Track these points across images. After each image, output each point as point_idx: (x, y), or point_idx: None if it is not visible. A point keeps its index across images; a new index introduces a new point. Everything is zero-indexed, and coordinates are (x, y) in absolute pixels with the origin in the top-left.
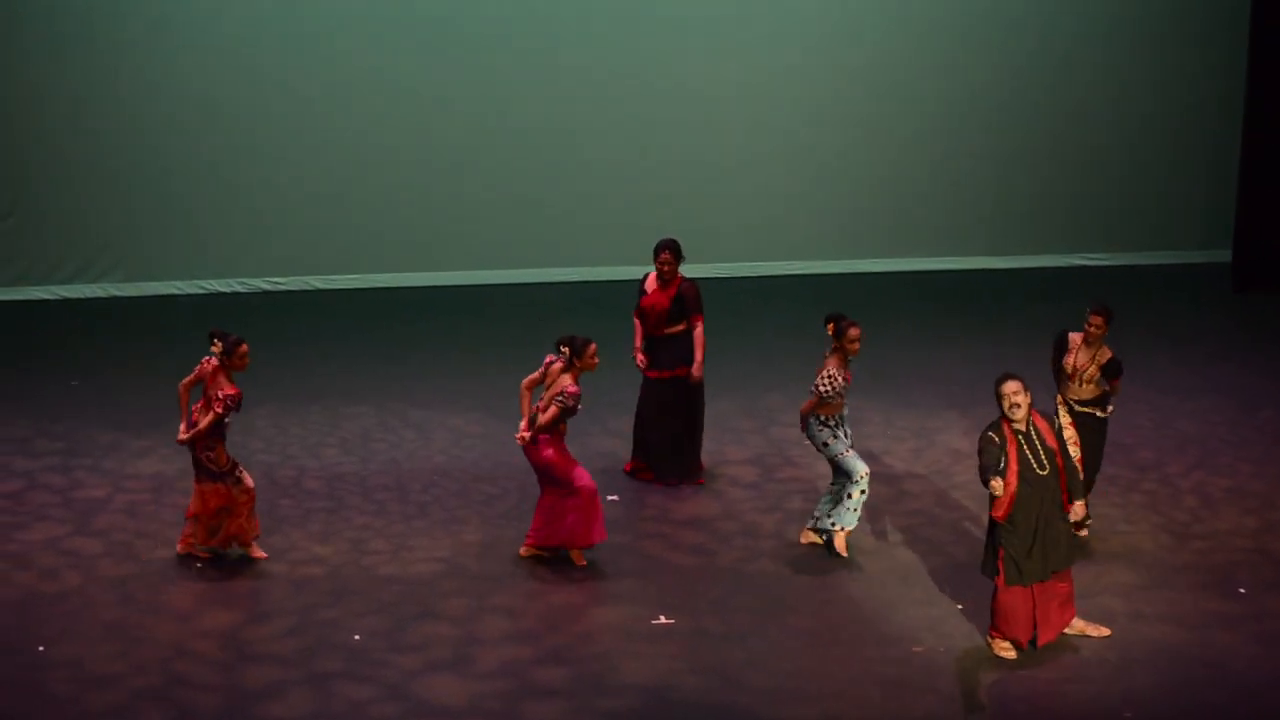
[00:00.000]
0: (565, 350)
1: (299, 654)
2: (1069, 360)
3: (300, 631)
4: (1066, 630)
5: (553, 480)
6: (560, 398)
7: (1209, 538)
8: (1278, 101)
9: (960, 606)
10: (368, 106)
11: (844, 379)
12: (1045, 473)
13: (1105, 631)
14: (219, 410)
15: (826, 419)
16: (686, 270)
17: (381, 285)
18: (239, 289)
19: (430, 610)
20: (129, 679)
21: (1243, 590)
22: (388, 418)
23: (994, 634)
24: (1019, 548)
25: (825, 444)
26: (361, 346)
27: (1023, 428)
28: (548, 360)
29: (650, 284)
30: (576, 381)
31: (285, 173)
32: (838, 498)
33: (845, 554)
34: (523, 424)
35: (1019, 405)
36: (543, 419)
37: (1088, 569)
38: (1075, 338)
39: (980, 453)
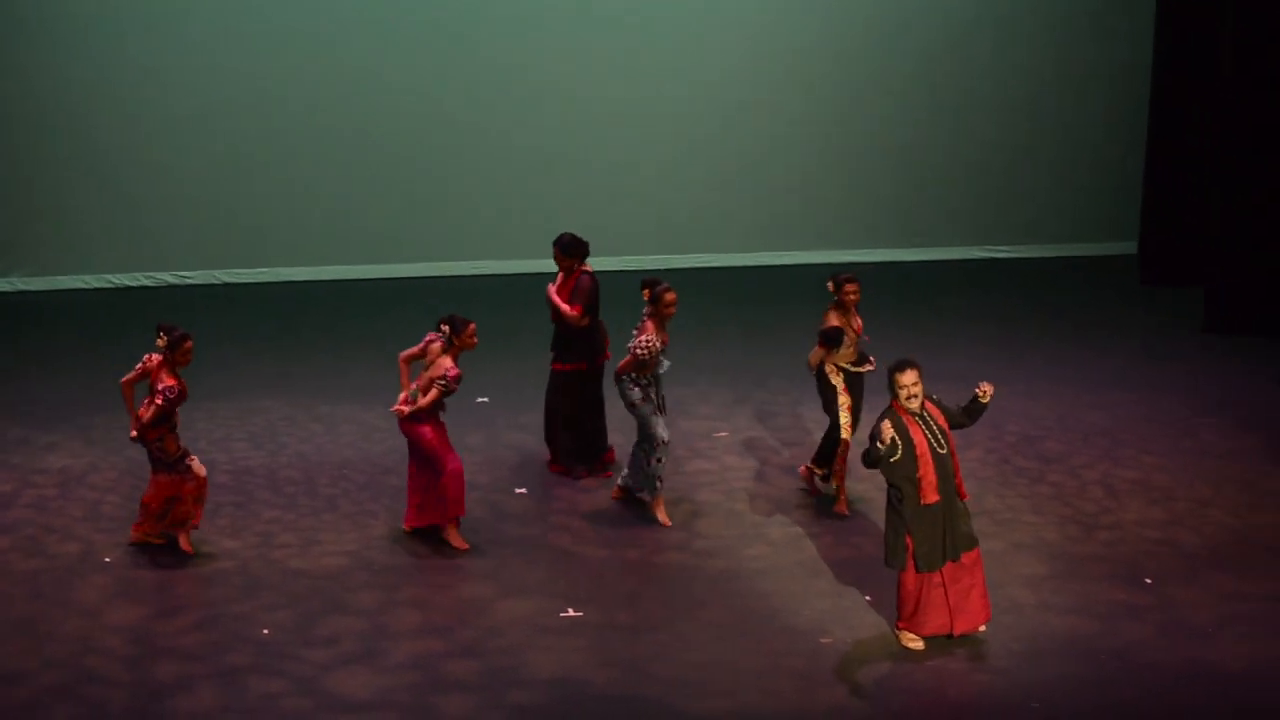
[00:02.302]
0: (445, 329)
1: (208, 648)
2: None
3: (209, 626)
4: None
5: (424, 458)
6: (441, 381)
7: (1115, 529)
8: (1182, 96)
9: (868, 598)
10: (275, 101)
11: (661, 342)
12: (944, 452)
13: (981, 627)
14: (159, 402)
15: (639, 379)
16: (597, 264)
17: (288, 279)
18: (146, 283)
19: (339, 604)
20: (39, 675)
21: (1149, 581)
22: (295, 411)
23: (901, 626)
24: (930, 531)
25: (633, 404)
26: (268, 341)
27: (918, 410)
28: (428, 338)
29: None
30: (456, 361)
31: (190, 167)
32: (637, 463)
33: (668, 522)
34: (401, 396)
35: (916, 396)
36: (424, 401)
37: (995, 560)
38: (834, 313)
39: (870, 437)
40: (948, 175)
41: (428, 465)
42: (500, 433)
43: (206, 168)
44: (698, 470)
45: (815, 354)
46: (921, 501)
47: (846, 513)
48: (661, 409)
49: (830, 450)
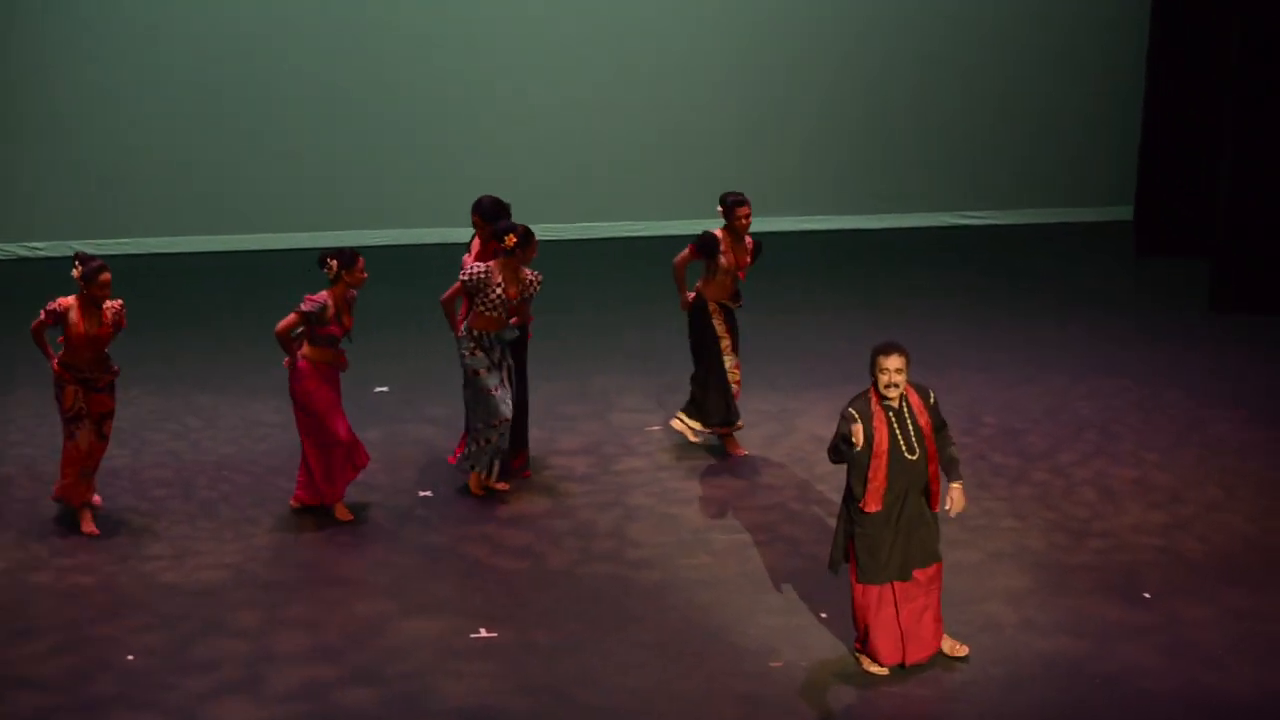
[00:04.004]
0: (333, 263)
1: (66, 677)
2: (726, 260)
3: (68, 650)
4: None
5: (306, 419)
6: (301, 305)
7: (1110, 536)
8: (1183, 44)
9: (824, 615)
10: (145, 57)
11: (503, 286)
12: (914, 457)
13: (962, 650)
14: (42, 315)
15: (481, 335)
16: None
17: (156, 251)
18: None
19: (218, 624)
20: None
21: (1148, 595)
22: (168, 402)
23: (859, 647)
24: (875, 538)
25: (476, 372)
26: (139, 320)
27: (895, 404)
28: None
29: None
30: (344, 300)
31: (43, 125)
32: (473, 439)
33: (480, 492)
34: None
35: (896, 385)
36: (280, 324)
37: (970, 572)
38: (721, 234)
39: (837, 430)
40: (920, 132)
41: (310, 435)
42: (403, 427)
43: (63, 124)
44: (628, 469)
45: (682, 258)
46: (861, 507)
47: (744, 452)
48: (509, 382)
49: (704, 401)
